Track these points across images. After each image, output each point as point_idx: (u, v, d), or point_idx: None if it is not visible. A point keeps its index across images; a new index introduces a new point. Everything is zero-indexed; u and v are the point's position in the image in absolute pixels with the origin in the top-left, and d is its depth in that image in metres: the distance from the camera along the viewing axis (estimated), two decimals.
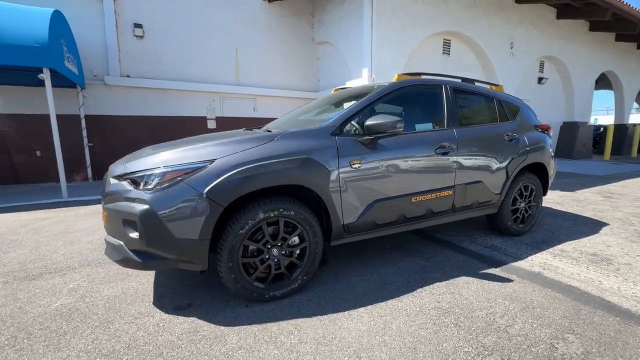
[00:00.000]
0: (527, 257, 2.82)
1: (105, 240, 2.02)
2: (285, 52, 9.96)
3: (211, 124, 9.12)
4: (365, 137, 2.28)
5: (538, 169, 3.41)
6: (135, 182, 1.85)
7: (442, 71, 9.25)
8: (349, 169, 2.20)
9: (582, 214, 4.24)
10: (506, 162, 3.03)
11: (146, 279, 2.42)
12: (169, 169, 1.82)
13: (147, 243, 1.76)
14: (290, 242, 2.09)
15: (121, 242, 1.89)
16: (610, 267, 2.60)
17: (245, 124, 9.53)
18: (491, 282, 2.35)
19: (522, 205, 3.31)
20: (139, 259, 1.83)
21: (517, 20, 10.21)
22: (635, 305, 2.03)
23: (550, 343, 1.68)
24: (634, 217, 4.08)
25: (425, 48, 8.86)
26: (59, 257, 2.88)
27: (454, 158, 2.69)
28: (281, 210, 1.99)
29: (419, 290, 2.23)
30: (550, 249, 3.00)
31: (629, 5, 9.91)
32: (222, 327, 1.81)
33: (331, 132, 2.22)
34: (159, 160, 1.89)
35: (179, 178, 1.79)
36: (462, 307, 2.01)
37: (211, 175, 1.82)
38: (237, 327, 1.82)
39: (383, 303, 2.06)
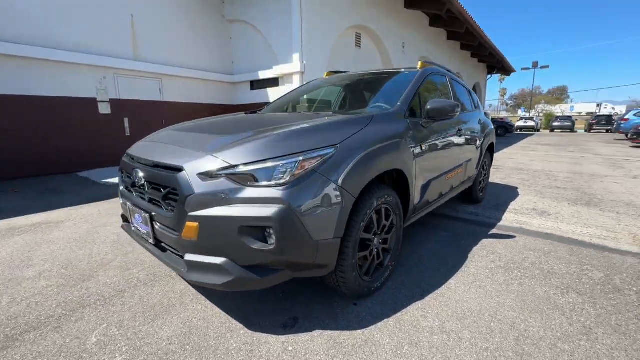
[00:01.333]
0: (502, 217, 3.56)
1: (186, 261, 1.47)
2: (195, 27, 8.69)
3: (104, 108, 7.21)
4: (425, 120, 2.38)
5: (491, 147, 4.26)
6: (251, 178, 1.42)
7: (355, 63, 9.99)
8: (419, 150, 2.26)
9: (492, 182, 5.54)
10: (480, 142, 3.68)
11: (196, 305, 1.89)
12: (303, 157, 1.47)
13: (281, 251, 1.40)
14: (385, 229, 2.03)
15: (225, 259, 1.43)
16: (552, 217, 3.58)
17: (151, 110, 7.98)
18: (504, 240, 2.89)
19: (482, 177, 4.10)
20: (257, 275, 1.44)
21: (406, 23, 11.92)
22: (598, 239, 2.91)
23: (583, 273, 2.25)
24: (526, 181, 5.62)
25: (343, 40, 9.33)
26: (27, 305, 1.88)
27: (464, 139, 3.10)
28: (385, 197, 1.91)
29: (469, 256, 2.54)
30: (508, 210, 3.86)
31: (476, 22, 12.99)
32: (360, 331, 1.65)
33: (404, 115, 2.23)
34: (283, 146, 1.51)
35: (312, 167, 1.48)
36: (510, 263, 2.42)
37: (340, 162, 1.57)
38: (373, 326, 1.69)
39: (459, 272, 2.27)
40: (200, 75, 8.82)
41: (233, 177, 1.42)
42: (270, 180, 1.41)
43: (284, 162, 1.43)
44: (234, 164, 1.43)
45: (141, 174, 1.67)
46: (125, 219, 2.13)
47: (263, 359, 1.45)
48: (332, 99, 3.00)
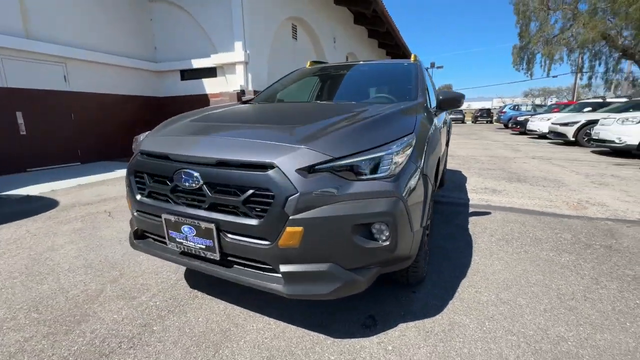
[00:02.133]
0: (469, 197, 4.04)
1: (283, 273, 1.25)
2: (105, 2, 7.26)
3: None
4: (434, 109, 2.52)
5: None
6: (356, 170, 1.28)
7: (293, 56, 9.85)
8: (440, 136, 2.38)
9: None
10: (447, 131, 4.08)
11: (255, 324, 1.64)
12: (399, 146, 1.38)
13: (396, 247, 1.32)
14: None
15: (331, 264, 1.27)
16: (503, 194, 4.22)
17: (55, 101, 6.47)
18: (485, 216, 3.29)
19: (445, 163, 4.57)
20: (361, 276, 1.33)
21: (336, 19, 12.25)
22: (547, 208, 3.54)
23: (557, 236, 2.74)
24: (462, 165, 6.46)
25: (282, 31, 9.07)
26: None
27: (446, 128, 3.39)
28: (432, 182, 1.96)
29: (470, 234, 2.82)
30: (468, 190, 4.39)
31: (393, 22, 14.18)
32: (439, 316, 1.68)
33: (424, 105, 2.31)
34: (378, 135, 1.40)
35: (408, 156, 1.41)
36: (505, 235, 2.79)
37: (420, 150, 1.55)
38: (445, 309, 1.74)
39: (474, 248, 2.51)
40: (115, 60, 7.46)
41: (337, 171, 1.26)
42: (376, 172, 1.30)
43: (387, 151, 1.34)
44: (336, 156, 1.27)
45: (196, 175, 1.34)
46: (139, 235, 1.69)
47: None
48: (338, 89, 2.90)
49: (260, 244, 1.27)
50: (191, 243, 1.41)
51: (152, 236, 1.65)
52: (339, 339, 1.51)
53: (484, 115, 30.29)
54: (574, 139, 9.76)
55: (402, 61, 2.96)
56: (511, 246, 2.55)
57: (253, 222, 1.26)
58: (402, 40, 16.86)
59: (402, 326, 1.60)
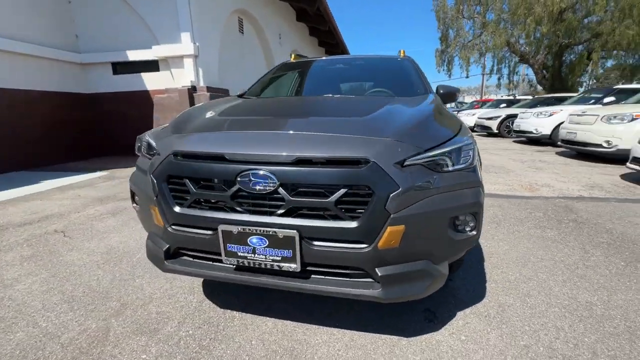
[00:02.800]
0: None
1: (382, 277, 1.14)
2: None
3: None
4: None
5: None
6: (445, 162, 1.24)
7: (241, 50, 9.37)
8: None
9: None
10: None
11: (321, 337, 1.50)
12: (469, 135, 1.39)
13: (478, 236, 1.32)
14: None
15: (425, 262, 1.22)
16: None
17: None
18: None
19: None
20: (444, 269, 1.30)
21: (280, 15, 12.00)
22: (509, 191, 3.98)
23: (531, 215, 3.11)
24: None
25: (229, 25, 8.52)
26: None
27: None
28: None
29: None
30: None
31: (334, 20, 14.48)
32: (487, 300, 1.75)
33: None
34: (449, 125, 1.43)
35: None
36: (492, 218, 3.06)
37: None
38: (487, 292, 1.83)
39: (483, 236, 2.68)
40: (23, 48, 6.14)
41: (426, 163, 1.21)
42: (459, 163, 1.28)
43: (465, 142, 1.33)
44: (425, 147, 1.21)
45: (271, 176, 1.14)
46: (171, 254, 1.39)
47: (455, 356, 1.35)
48: (338, 83, 2.79)
49: (355, 248, 1.15)
50: (260, 256, 1.21)
51: (193, 253, 1.38)
52: (413, 337, 1.46)
53: None
54: (497, 131, 11.25)
55: (394, 56, 3.00)
56: (503, 228, 2.80)
57: (350, 224, 1.13)
58: (342, 39, 17.34)
59: (460, 315, 1.63)
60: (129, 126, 7.30)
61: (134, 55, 7.00)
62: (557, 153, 7.24)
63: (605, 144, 5.67)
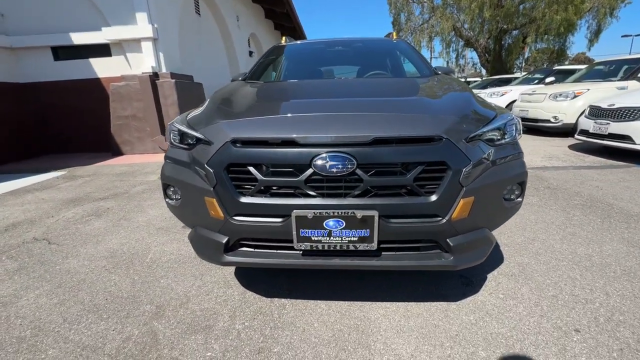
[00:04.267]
0: None
1: (454, 247, 1.22)
2: None
3: None
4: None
5: None
6: (497, 136, 1.36)
7: (197, 34, 8.76)
8: None
9: None
10: None
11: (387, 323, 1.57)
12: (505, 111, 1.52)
13: (521, 204, 1.46)
14: None
15: (484, 229, 1.34)
16: None
17: None
18: None
19: None
20: (494, 237, 1.43)
21: None
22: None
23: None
24: None
25: (186, 7, 7.87)
26: None
27: None
28: None
29: None
30: None
31: (292, 3, 14.09)
32: (514, 263, 1.94)
33: None
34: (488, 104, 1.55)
35: None
36: None
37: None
38: (515, 255, 2.02)
39: None
40: None
41: (486, 138, 1.30)
42: (507, 137, 1.39)
43: (508, 118, 1.43)
44: (482, 124, 1.30)
45: (350, 158, 1.14)
46: (230, 247, 1.33)
47: (501, 311, 1.50)
48: (343, 65, 2.77)
49: (431, 222, 1.21)
50: (337, 238, 1.22)
51: (255, 243, 1.33)
52: (460, 301, 1.59)
53: None
54: None
55: (387, 39, 3.05)
56: None
57: (427, 199, 1.18)
58: (299, 23, 16.96)
59: (491, 277, 1.80)
60: (81, 119, 6.54)
61: (79, 38, 6.19)
62: None
63: (552, 119, 6.38)
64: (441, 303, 1.59)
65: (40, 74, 6.48)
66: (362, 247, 1.24)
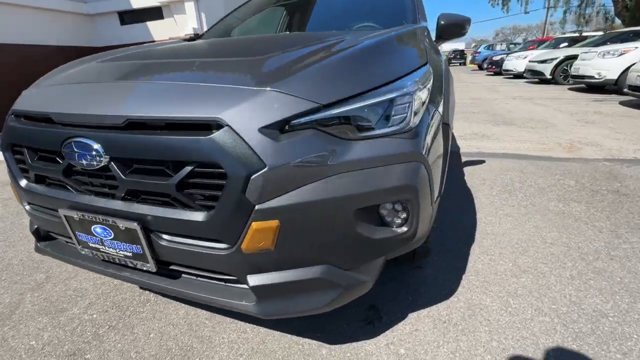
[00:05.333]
0: (457, 144, 3.72)
1: (253, 287, 0.82)
2: None
3: None
4: (434, 41, 2.02)
5: None
6: (358, 123, 0.82)
7: None
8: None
9: None
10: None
11: (229, 335, 1.26)
12: (417, 82, 0.92)
13: (416, 231, 0.91)
14: None
15: (324, 267, 0.86)
16: (493, 138, 3.93)
17: None
18: (480, 165, 3.00)
19: None
20: (366, 275, 0.94)
21: None
22: (540, 151, 3.29)
23: (559, 182, 2.51)
24: None
25: None
26: None
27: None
28: None
29: (469, 187, 2.52)
30: (456, 137, 4.06)
31: None
32: (454, 299, 1.38)
33: (428, 31, 1.79)
34: (386, 66, 0.93)
35: (427, 97, 0.97)
36: (506, 186, 2.51)
37: (437, 87, 1.10)
38: (460, 288, 1.44)
39: (476, 204, 2.21)
40: (30, 1, 6.01)
41: (326, 125, 0.79)
42: (387, 125, 0.84)
43: (401, 91, 0.86)
44: (324, 102, 0.79)
45: (95, 147, 0.82)
46: (42, 235, 1.18)
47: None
48: (312, 18, 2.26)
49: (213, 248, 0.83)
50: (110, 250, 0.94)
51: (61, 237, 1.15)
52: (338, 345, 1.17)
53: (457, 57, 29.58)
54: (551, 77, 9.57)
55: None
56: (515, 198, 2.27)
57: (197, 216, 0.79)
58: None
59: (412, 317, 1.29)
60: None
61: (137, 2, 6.60)
62: (621, 103, 5.96)
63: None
64: (312, 343, 1.19)
65: (111, 39, 7.23)
66: (139, 265, 0.93)
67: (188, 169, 0.76)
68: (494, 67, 14.63)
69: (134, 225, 0.84)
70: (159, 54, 1.36)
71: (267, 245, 0.79)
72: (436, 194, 1.04)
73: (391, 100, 0.84)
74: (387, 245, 0.90)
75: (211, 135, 0.73)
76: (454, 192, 2.41)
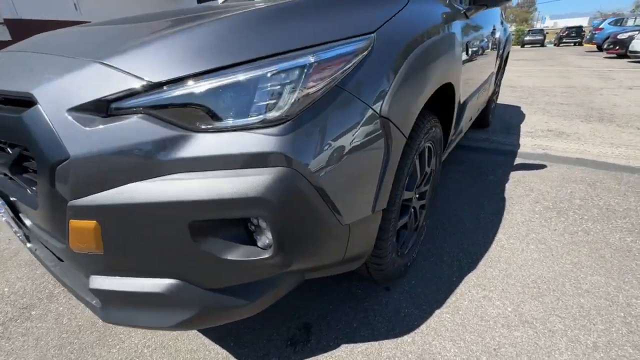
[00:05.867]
0: (520, 142, 3.04)
1: (93, 290, 0.74)
2: None
3: None
4: (466, 6, 1.58)
5: (506, 58, 3.51)
6: (205, 111, 0.63)
7: None
8: (464, 53, 1.50)
9: None
10: (502, 49, 2.93)
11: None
12: (314, 56, 0.67)
13: (284, 258, 0.70)
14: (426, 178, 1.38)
15: (175, 282, 0.71)
16: (572, 138, 3.11)
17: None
18: (535, 171, 2.38)
19: (495, 96, 3.45)
20: (243, 299, 0.75)
21: None
22: (637, 160, 2.48)
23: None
24: (524, 99, 5.09)
25: None
26: None
27: (495, 43, 2.33)
28: (431, 130, 1.20)
29: (506, 197, 2.02)
30: (522, 133, 3.33)
31: None
32: (407, 337, 1.10)
33: None
34: (267, 35, 0.70)
35: (335, 78, 0.70)
36: (558, 202, 1.93)
37: (383, 67, 0.80)
38: (424, 325, 1.14)
39: (504, 221, 1.75)
40: None
41: (161, 111, 0.62)
42: (248, 114, 0.63)
43: (276, 67, 0.64)
44: (159, 80, 0.62)
45: None
46: None
47: None
48: None
49: (57, 241, 0.75)
50: (10, 223, 0.94)
51: None
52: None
53: (572, 36, 24.31)
54: None
55: None
56: (563, 221, 1.74)
57: (36, 202, 0.72)
58: None
59: (344, 350, 1.06)
60: None
61: None
62: None
63: None
64: (224, 354, 1.07)
65: None
66: (28, 244, 0.91)
67: (17, 150, 0.68)
68: (617, 47, 11.64)
69: (2, 203, 0.81)
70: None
71: (92, 247, 0.67)
72: (351, 214, 0.78)
73: (256, 80, 0.62)
74: (254, 268, 0.70)
75: (20, 115, 0.63)
76: (483, 201, 1.96)
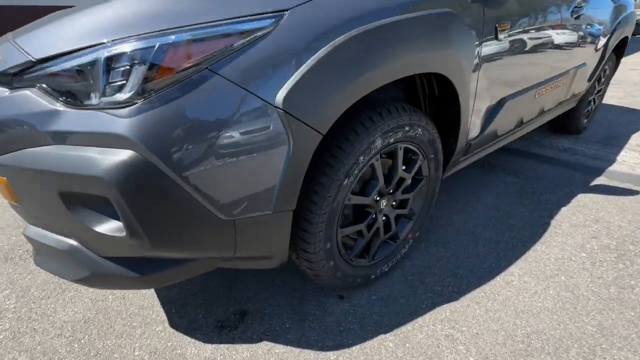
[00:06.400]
0: (614, 157, 2.34)
1: (26, 236, 0.88)
2: None
3: None
4: None
5: (621, 45, 2.69)
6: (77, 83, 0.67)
7: None
8: (492, 41, 1.20)
9: (605, 102, 3.91)
10: (607, 38, 2.24)
11: None
12: (175, 37, 0.64)
13: (142, 240, 0.70)
14: (405, 184, 1.19)
15: (74, 243, 0.79)
16: None
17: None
18: (617, 197, 1.81)
19: (595, 95, 2.71)
20: (135, 271, 0.79)
21: None
22: None
23: None
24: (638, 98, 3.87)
25: None
26: None
27: (578, 28, 1.80)
28: (406, 129, 1.01)
29: (552, 223, 1.60)
30: (626, 146, 2.55)
31: None
32: (331, 354, 1.00)
33: None
34: (133, 11, 0.67)
35: (204, 61, 0.65)
36: (628, 242, 1.44)
37: (288, 52, 0.70)
38: (358, 346, 1.02)
39: (530, 252, 1.40)
40: None
41: (40, 86, 0.68)
42: (104, 94, 0.63)
43: (128, 47, 0.61)
44: (40, 56, 0.67)
45: None
46: None
47: None
48: None
49: None
50: None
51: None
52: (168, 333, 1.09)
53: None
54: None
55: None
56: (620, 269, 1.29)
57: None
58: None
59: (264, 347, 1.03)
60: None
61: None
62: None
63: None
64: (162, 317, 1.15)
65: None
66: None
67: None
68: None
69: None
70: None
71: (10, 199, 0.79)
72: (236, 208, 0.72)
73: (108, 61, 0.61)
74: (116, 245, 0.72)
75: None
76: (507, 220, 1.60)
